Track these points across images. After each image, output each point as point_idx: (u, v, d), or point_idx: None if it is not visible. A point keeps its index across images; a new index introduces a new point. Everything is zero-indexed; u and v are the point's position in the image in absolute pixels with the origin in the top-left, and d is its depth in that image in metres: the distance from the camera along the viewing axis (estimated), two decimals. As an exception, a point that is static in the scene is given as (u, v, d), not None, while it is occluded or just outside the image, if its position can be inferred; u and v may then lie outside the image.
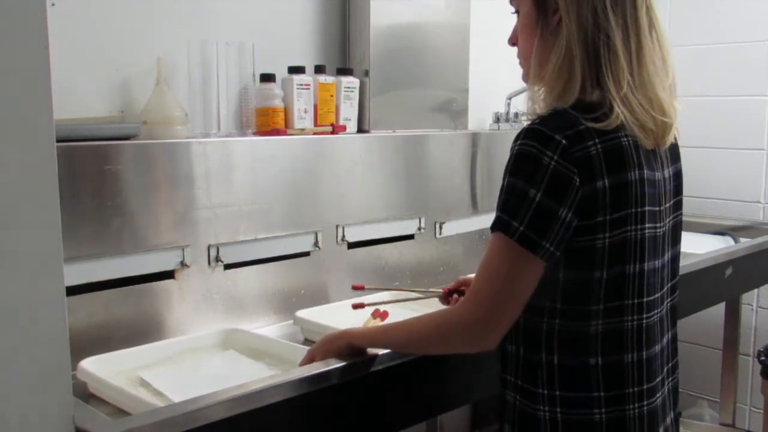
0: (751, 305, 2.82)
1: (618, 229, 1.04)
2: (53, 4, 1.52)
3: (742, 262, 2.22)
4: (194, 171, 1.63)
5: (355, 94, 2.02)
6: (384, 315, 1.70)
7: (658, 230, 1.10)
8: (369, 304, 1.67)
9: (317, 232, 1.89)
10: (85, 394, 1.34)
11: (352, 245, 1.98)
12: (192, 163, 1.63)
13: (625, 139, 1.04)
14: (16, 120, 0.89)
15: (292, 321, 1.74)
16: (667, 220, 1.14)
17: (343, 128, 1.98)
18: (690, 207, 2.89)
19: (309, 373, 1.20)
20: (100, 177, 1.49)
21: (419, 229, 2.16)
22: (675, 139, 1.16)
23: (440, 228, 2.21)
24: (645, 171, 1.06)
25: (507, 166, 1.04)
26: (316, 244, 1.90)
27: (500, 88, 2.48)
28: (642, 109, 1.05)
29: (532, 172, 1.00)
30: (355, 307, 1.63)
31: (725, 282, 2.18)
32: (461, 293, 1.51)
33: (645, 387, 1.10)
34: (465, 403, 2.18)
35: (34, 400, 0.93)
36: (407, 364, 1.30)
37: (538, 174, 1.00)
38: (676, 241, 1.18)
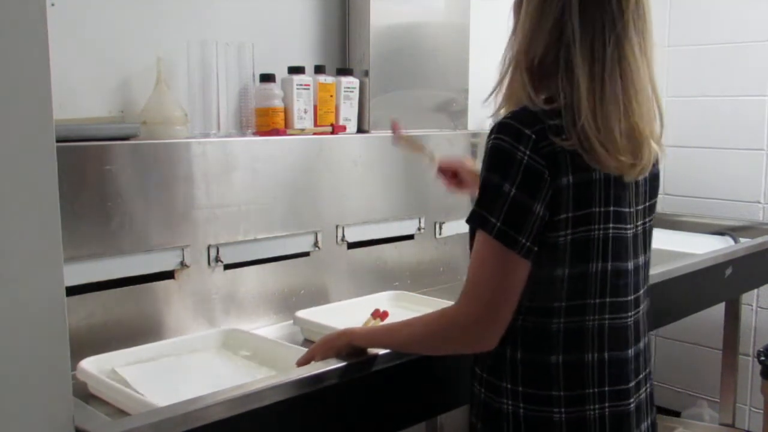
0: (751, 305, 2.82)
1: (581, 227, 1.04)
2: (53, 4, 1.52)
3: (741, 262, 2.22)
4: (194, 171, 1.63)
5: (355, 95, 2.02)
6: (384, 315, 1.70)
7: (627, 231, 1.09)
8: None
9: (317, 232, 1.89)
10: (85, 394, 1.34)
11: (351, 245, 1.98)
12: (192, 163, 1.63)
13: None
14: (16, 120, 0.89)
15: (291, 321, 1.74)
16: (639, 222, 1.13)
17: (343, 128, 1.98)
18: (690, 207, 2.90)
19: (308, 374, 1.20)
20: (100, 177, 1.49)
21: (419, 229, 2.16)
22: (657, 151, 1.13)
23: (440, 228, 2.21)
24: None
25: (483, 161, 1.06)
26: (315, 244, 1.90)
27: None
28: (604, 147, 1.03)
29: (506, 167, 1.02)
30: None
31: (725, 282, 2.18)
32: (455, 175, 1.55)
33: (607, 389, 1.09)
34: (465, 403, 2.18)
35: (34, 400, 0.93)
36: (407, 364, 1.30)
37: (512, 169, 1.01)
38: (647, 247, 1.17)
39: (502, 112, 1.10)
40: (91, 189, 1.48)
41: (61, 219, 0.93)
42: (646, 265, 1.17)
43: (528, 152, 1.00)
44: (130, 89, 1.68)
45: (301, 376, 1.19)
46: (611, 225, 1.06)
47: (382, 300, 1.86)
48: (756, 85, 2.76)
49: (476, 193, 1.08)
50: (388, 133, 2.09)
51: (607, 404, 1.09)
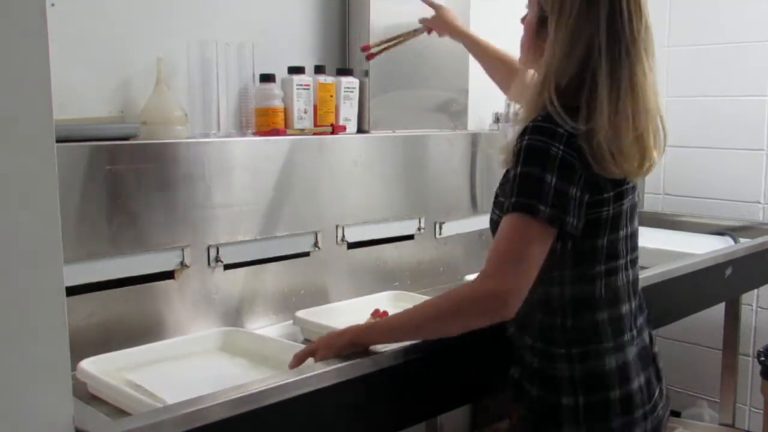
0: (751, 305, 2.82)
1: (617, 202, 1.22)
2: (53, 4, 1.52)
3: (741, 262, 2.22)
4: (194, 171, 1.63)
5: (355, 95, 2.02)
6: (384, 315, 1.70)
7: (631, 203, 1.27)
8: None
9: (317, 232, 1.90)
10: (85, 394, 1.34)
11: (351, 245, 1.98)
12: (192, 164, 1.63)
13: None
14: (16, 120, 0.89)
15: (291, 321, 1.74)
16: (631, 195, 1.28)
17: (343, 128, 1.98)
18: (690, 207, 2.90)
19: (308, 374, 1.20)
20: (100, 177, 1.49)
21: (419, 229, 2.16)
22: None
23: (440, 228, 2.21)
24: None
25: (516, 159, 1.16)
26: (315, 244, 1.90)
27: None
28: (617, 142, 1.18)
29: (543, 161, 1.14)
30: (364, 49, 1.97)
31: (725, 282, 2.18)
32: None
33: (635, 332, 1.29)
34: (465, 403, 2.18)
35: (34, 400, 0.93)
36: (407, 364, 1.30)
37: (549, 162, 1.14)
38: (633, 219, 1.31)
39: (520, 115, 1.24)
40: (91, 189, 1.48)
41: (61, 219, 0.93)
42: (634, 234, 1.33)
43: (562, 147, 1.14)
44: (130, 89, 1.68)
45: (301, 377, 1.19)
46: (629, 198, 1.25)
47: (382, 300, 1.86)
48: (756, 85, 2.76)
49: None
50: (388, 133, 2.09)
51: (634, 343, 1.27)
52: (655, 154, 1.23)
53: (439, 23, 1.90)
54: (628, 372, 1.25)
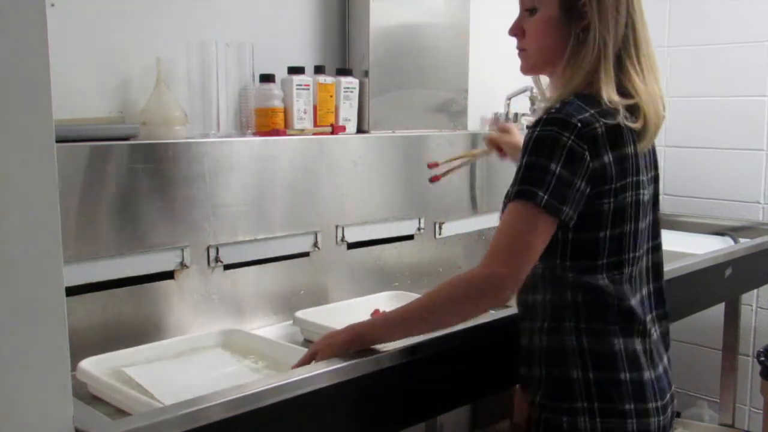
0: (751, 305, 2.82)
1: (620, 194, 1.21)
2: (53, 4, 1.52)
3: (741, 262, 2.22)
4: (194, 171, 1.63)
5: (355, 95, 2.02)
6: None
7: (645, 195, 1.28)
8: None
9: (317, 232, 1.90)
10: (84, 394, 1.34)
11: (351, 246, 1.98)
12: (191, 164, 1.63)
13: (624, 122, 1.21)
14: (16, 120, 0.89)
15: (291, 321, 1.74)
16: (650, 187, 1.31)
17: (343, 129, 1.98)
18: (690, 207, 2.90)
19: (308, 374, 1.20)
20: (100, 177, 1.49)
21: (419, 229, 2.16)
22: None
23: (440, 228, 2.21)
24: (636, 146, 1.24)
25: (525, 148, 1.19)
26: (315, 244, 1.90)
27: (500, 88, 2.48)
28: (657, 109, 1.25)
29: (551, 150, 1.16)
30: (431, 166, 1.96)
31: (725, 282, 2.18)
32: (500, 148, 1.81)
33: (645, 318, 1.29)
34: (465, 403, 2.18)
35: (33, 401, 0.93)
36: (407, 364, 1.30)
37: (557, 151, 1.16)
38: (656, 207, 1.35)
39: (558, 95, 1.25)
40: (91, 189, 1.48)
41: (61, 219, 0.93)
42: (656, 222, 1.35)
43: (573, 137, 1.16)
44: (130, 89, 1.68)
45: (301, 377, 1.19)
46: (639, 191, 1.25)
47: (382, 300, 1.86)
48: (756, 85, 2.76)
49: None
50: (388, 133, 2.09)
51: (643, 336, 1.28)
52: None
53: (509, 145, 1.79)
54: (638, 360, 1.25)
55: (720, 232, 2.65)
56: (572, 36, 1.22)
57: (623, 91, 1.22)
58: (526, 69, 1.33)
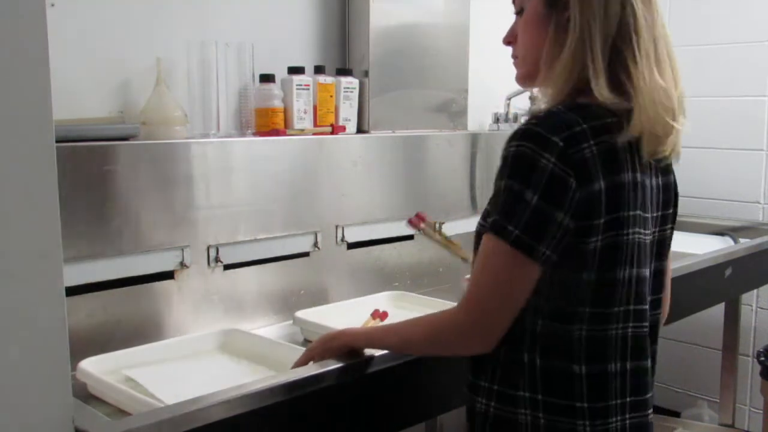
0: (751, 305, 2.82)
1: (611, 231, 1.01)
2: (53, 5, 1.52)
3: (741, 262, 2.22)
4: (194, 171, 1.63)
5: (355, 95, 2.02)
6: (384, 315, 1.70)
7: (646, 237, 1.07)
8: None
9: (316, 232, 1.89)
10: (85, 394, 1.34)
11: (351, 246, 1.98)
12: (191, 164, 1.63)
13: (621, 140, 1.02)
14: (16, 120, 0.89)
15: (291, 321, 1.74)
16: (655, 229, 1.11)
17: (343, 129, 1.98)
18: (690, 207, 2.90)
19: (308, 374, 1.20)
20: (99, 177, 1.49)
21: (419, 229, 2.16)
22: (671, 153, 1.11)
23: (440, 228, 2.21)
24: (638, 174, 1.05)
25: (501, 168, 1.02)
26: (315, 244, 1.90)
27: (500, 88, 2.48)
28: (658, 115, 1.03)
29: (528, 175, 0.98)
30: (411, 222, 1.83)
31: (725, 282, 2.18)
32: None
33: (629, 400, 1.07)
34: (465, 403, 2.18)
35: (34, 401, 0.93)
36: (406, 364, 1.30)
37: (535, 176, 0.97)
38: (661, 255, 1.15)
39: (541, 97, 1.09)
40: (91, 189, 1.48)
41: (61, 219, 0.93)
42: (660, 273, 1.16)
43: (553, 159, 0.97)
44: (130, 89, 1.68)
45: (301, 377, 1.19)
46: (638, 229, 1.04)
47: (381, 300, 1.86)
48: (756, 85, 2.76)
49: None
50: (388, 133, 2.09)
51: (628, 415, 1.07)
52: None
53: None
54: None
55: (720, 232, 2.65)
56: (554, 28, 1.06)
57: (621, 88, 1.03)
58: (520, 77, 1.16)
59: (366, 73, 2.04)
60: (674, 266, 1.92)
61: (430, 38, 2.19)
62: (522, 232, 0.98)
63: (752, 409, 2.83)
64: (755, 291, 2.78)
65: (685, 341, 2.96)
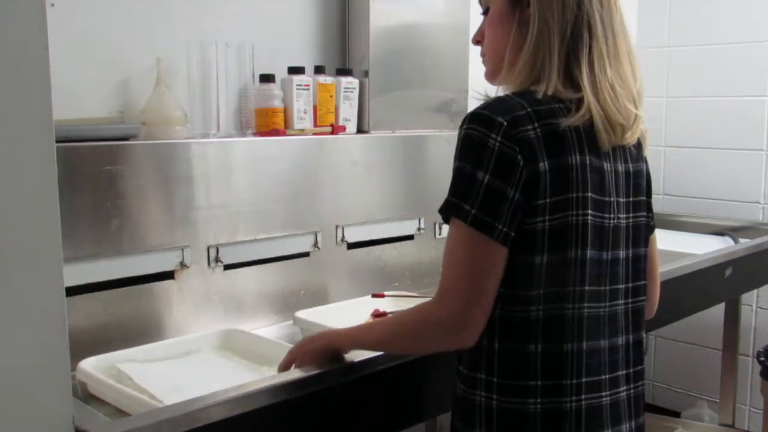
0: (751, 305, 2.82)
1: (559, 213, 1.03)
2: (53, 5, 1.52)
3: (741, 262, 2.22)
4: (194, 171, 1.63)
5: (355, 95, 2.02)
6: (383, 315, 1.70)
7: (606, 221, 1.08)
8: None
9: (317, 232, 1.89)
10: (84, 394, 1.34)
11: (351, 246, 1.98)
12: (191, 164, 1.63)
13: (567, 123, 1.05)
14: (16, 120, 0.89)
15: (291, 321, 1.74)
16: (623, 215, 1.12)
17: (343, 129, 1.98)
18: (690, 207, 2.90)
19: (308, 374, 1.20)
20: (99, 177, 1.49)
21: (419, 229, 2.16)
22: (641, 139, 1.15)
23: (440, 228, 2.21)
24: (588, 157, 1.06)
25: (455, 152, 1.06)
26: (315, 244, 1.90)
27: (499, 88, 2.48)
28: (614, 104, 1.07)
29: (478, 156, 1.02)
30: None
31: (725, 282, 2.18)
32: None
33: (584, 380, 1.07)
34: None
35: (33, 401, 0.93)
36: (406, 364, 1.30)
37: (485, 156, 1.01)
38: (638, 242, 1.15)
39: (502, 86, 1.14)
40: (91, 189, 1.48)
41: (61, 219, 0.93)
42: (638, 260, 1.15)
43: (500, 138, 1.01)
44: (130, 89, 1.68)
45: (301, 377, 1.19)
46: (590, 212, 1.05)
47: (381, 300, 1.86)
48: (756, 85, 2.76)
49: None
50: (388, 133, 2.09)
51: (583, 396, 1.07)
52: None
53: None
54: (561, 428, 1.05)
55: (720, 232, 2.65)
56: (517, 26, 1.11)
57: (574, 83, 1.07)
58: (487, 74, 1.23)
59: (366, 73, 2.04)
60: (674, 266, 1.93)
61: (430, 38, 2.19)
62: (478, 210, 1.01)
63: (752, 409, 2.83)
64: (755, 291, 2.78)
65: (685, 341, 2.96)
